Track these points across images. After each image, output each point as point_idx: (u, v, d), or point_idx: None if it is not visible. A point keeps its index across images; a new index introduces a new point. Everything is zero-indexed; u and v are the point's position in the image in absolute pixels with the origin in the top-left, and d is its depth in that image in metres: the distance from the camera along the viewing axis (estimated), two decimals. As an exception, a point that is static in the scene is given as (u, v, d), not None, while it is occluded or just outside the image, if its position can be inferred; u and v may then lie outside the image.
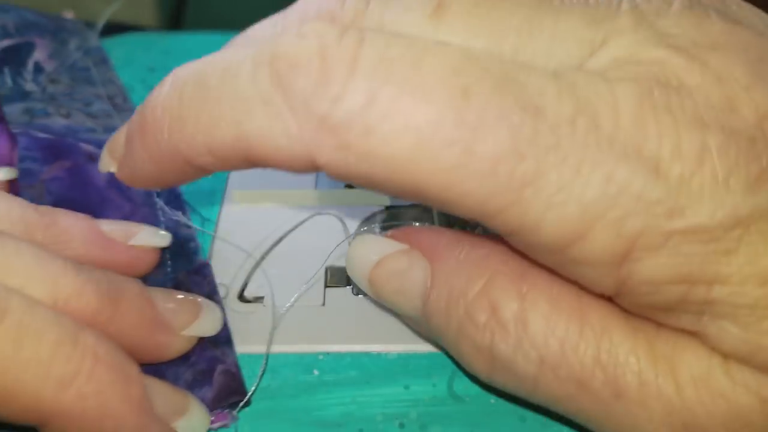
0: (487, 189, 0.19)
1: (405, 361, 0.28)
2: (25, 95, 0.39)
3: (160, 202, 0.32)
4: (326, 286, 0.31)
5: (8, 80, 0.40)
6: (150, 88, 0.43)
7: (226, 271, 0.31)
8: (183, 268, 0.30)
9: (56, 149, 0.34)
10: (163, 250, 0.30)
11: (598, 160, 0.19)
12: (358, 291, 0.31)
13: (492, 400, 0.27)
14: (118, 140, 0.25)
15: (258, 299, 0.30)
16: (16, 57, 0.41)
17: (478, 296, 0.23)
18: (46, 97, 0.39)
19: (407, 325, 0.29)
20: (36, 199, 0.30)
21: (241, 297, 0.30)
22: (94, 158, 0.34)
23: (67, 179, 0.33)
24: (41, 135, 0.35)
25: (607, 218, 0.19)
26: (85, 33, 0.44)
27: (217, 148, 0.21)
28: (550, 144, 0.19)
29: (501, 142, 0.19)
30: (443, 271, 0.24)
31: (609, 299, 0.22)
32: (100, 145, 0.33)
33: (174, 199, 0.33)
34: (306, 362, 0.28)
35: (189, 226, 0.32)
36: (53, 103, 0.38)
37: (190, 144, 0.21)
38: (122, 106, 0.39)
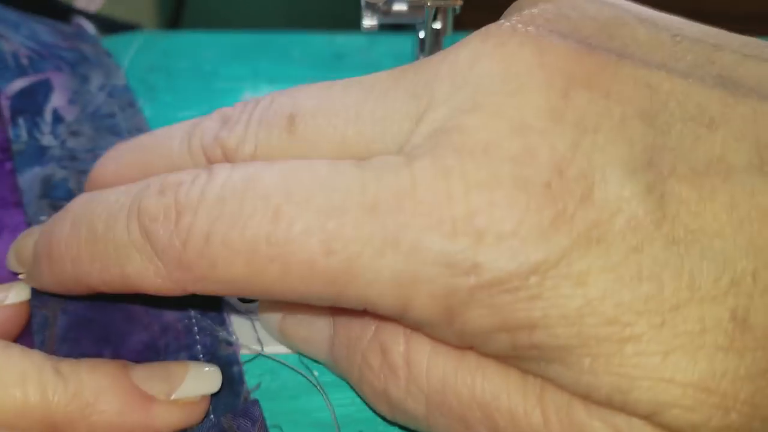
0: (316, 287, 0.22)
1: (405, 362, 0.28)
2: (42, 154, 0.34)
3: (194, 313, 0.28)
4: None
5: (23, 133, 0.35)
6: (150, 88, 0.43)
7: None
8: (226, 406, 0.26)
9: None
10: None
11: (398, 236, 0.21)
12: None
13: (492, 402, 0.27)
14: (25, 246, 0.28)
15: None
16: (32, 104, 0.36)
17: (372, 340, 0.24)
18: (66, 156, 0.34)
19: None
20: (50, 322, 0.27)
21: (242, 297, 0.30)
22: None
23: (95, 317, 0.28)
24: None
25: (417, 285, 0.21)
26: (107, 63, 0.40)
27: (110, 282, 0.25)
28: (353, 235, 0.21)
29: (310, 248, 0.21)
30: (343, 317, 0.25)
31: None
32: None
33: (212, 299, 0.29)
34: (306, 363, 0.28)
35: (231, 343, 0.28)
36: (73, 165, 0.34)
37: (88, 277, 0.25)
38: None
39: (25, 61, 0.37)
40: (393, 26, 0.34)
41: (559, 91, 0.21)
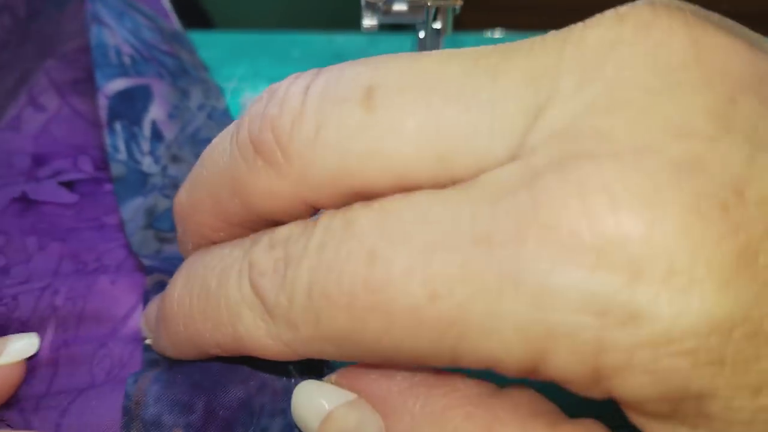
0: (426, 340, 0.18)
1: (405, 361, 0.28)
2: (144, 182, 0.31)
3: (292, 369, 0.26)
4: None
5: (121, 145, 0.32)
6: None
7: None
8: None
9: None
10: None
11: (519, 274, 0.16)
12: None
13: (492, 401, 0.27)
14: (150, 314, 0.27)
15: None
16: (130, 110, 0.33)
17: None
18: (168, 185, 0.32)
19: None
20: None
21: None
22: None
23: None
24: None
25: (554, 339, 0.16)
26: (205, 80, 0.38)
27: (222, 343, 0.23)
28: (463, 275, 0.17)
29: (413, 293, 0.18)
30: (398, 430, 0.21)
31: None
32: None
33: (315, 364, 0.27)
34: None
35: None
36: (173, 194, 0.31)
37: (201, 338, 0.23)
38: None
39: (127, 60, 0.34)
40: (393, 26, 0.34)
41: (725, 94, 0.17)
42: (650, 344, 0.16)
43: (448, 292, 0.17)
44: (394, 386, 0.21)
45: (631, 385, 0.16)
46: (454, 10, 0.32)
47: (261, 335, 0.21)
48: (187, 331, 0.23)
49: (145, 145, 0.32)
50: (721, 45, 0.17)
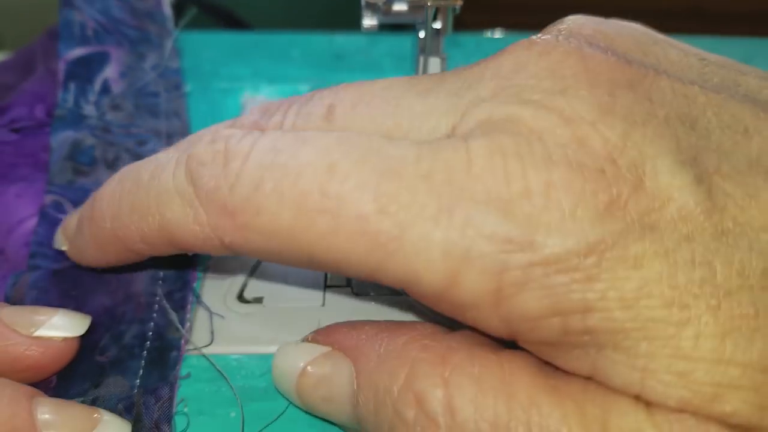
0: (362, 248, 0.22)
1: (405, 361, 0.28)
2: (79, 121, 0.36)
3: (160, 292, 0.30)
4: (326, 287, 0.31)
5: (70, 99, 0.37)
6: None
7: (225, 271, 0.31)
8: (148, 383, 0.27)
9: None
10: (145, 355, 0.27)
11: (452, 208, 0.21)
12: (358, 291, 0.31)
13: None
14: (70, 222, 0.29)
15: (257, 300, 0.30)
16: (86, 71, 0.38)
17: (403, 390, 0.22)
18: (100, 127, 0.36)
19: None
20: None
21: (241, 297, 0.30)
22: None
23: (69, 271, 0.30)
24: (61, 217, 0.32)
25: (469, 260, 0.21)
26: (167, 46, 0.41)
27: (147, 236, 0.25)
28: (408, 200, 0.21)
29: (363, 205, 0.21)
30: (366, 369, 0.24)
31: (530, 356, 0.22)
32: None
33: (182, 287, 0.30)
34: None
35: (179, 329, 0.28)
36: (104, 136, 0.35)
37: (125, 232, 0.26)
38: None
39: (90, 33, 0.40)
40: (393, 26, 0.34)
41: (606, 90, 0.22)
42: (542, 263, 0.20)
43: (395, 211, 0.21)
44: (362, 335, 0.25)
45: (526, 299, 0.21)
46: (454, 10, 0.33)
47: (189, 221, 0.24)
48: (113, 226, 0.26)
49: (92, 98, 0.37)
50: (603, 61, 0.23)
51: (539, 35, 0.25)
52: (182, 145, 0.27)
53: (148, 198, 0.25)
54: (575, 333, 0.21)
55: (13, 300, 0.29)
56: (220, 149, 0.24)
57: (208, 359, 0.28)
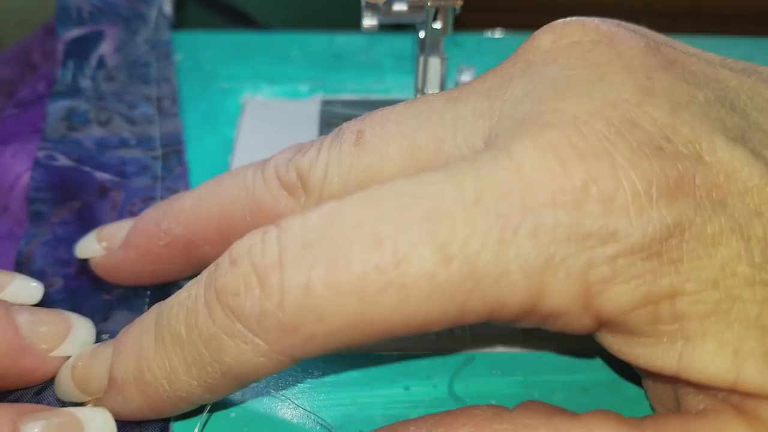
0: (439, 304, 0.20)
1: (405, 362, 0.28)
2: (75, 91, 0.38)
3: None
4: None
5: (69, 75, 0.39)
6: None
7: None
8: None
9: (68, 186, 0.33)
10: (149, 293, 0.29)
11: (516, 222, 0.20)
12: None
13: (493, 401, 0.27)
14: (92, 375, 0.24)
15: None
16: (82, 49, 0.41)
17: None
18: (94, 96, 0.38)
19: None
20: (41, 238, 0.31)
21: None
22: (106, 189, 0.34)
23: (73, 223, 0.32)
24: (59, 164, 0.34)
25: (551, 268, 0.20)
26: (160, 23, 0.43)
27: (213, 385, 0.23)
28: (467, 234, 0.20)
29: (424, 263, 0.20)
30: None
31: (610, 414, 0.22)
32: (118, 170, 0.34)
33: None
34: (306, 363, 0.28)
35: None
36: (98, 103, 0.38)
37: (189, 389, 0.23)
38: (167, 110, 0.39)
39: (86, 15, 0.42)
40: (393, 26, 0.34)
41: (643, 73, 0.22)
42: (626, 253, 0.19)
43: (459, 251, 0.20)
44: None
45: (616, 293, 0.20)
46: (454, 10, 0.32)
47: (250, 357, 0.21)
48: (173, 388, 0.23)
49: (89, 72, 0.40)
50: (633, 46, 0.23)
51: (562, 21, 0.24)
52: (199, 277, 0.23)
53: (198, 351, 0.22)
54: (665, 321, 0.20)
55: (25, 255, 0.31)
56: (247, 270, 0.21)
57: None
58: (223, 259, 0.22)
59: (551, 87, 0.22)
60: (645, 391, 0.25)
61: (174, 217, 0.28)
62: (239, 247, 0.22)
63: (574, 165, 0.20)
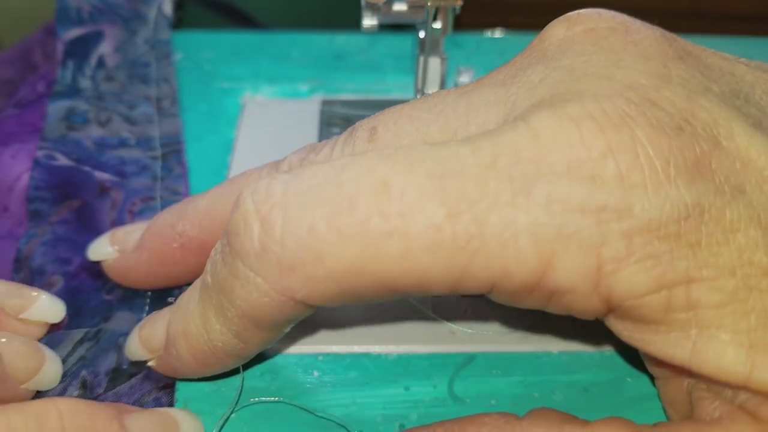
0: (441, 259, 0.20)
1: (405, 362, 0.28)
2: (75, 93, 0.38)
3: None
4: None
5: (69, 75, 0.39)
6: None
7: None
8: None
9: (68, 186, 0.34)
10: (149, 294, 0.29)
11: (529, 187, 0.19)
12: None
13: (493, 401, 0.27)
14: (154, 334, 0.26)
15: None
16: (82, 49, 0.41)
17: None
18: (94, 96, 0.38)
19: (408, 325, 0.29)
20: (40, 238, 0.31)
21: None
22: (105, 189, 0.34)
23: (73, 222, 0.32)
24: (58, 164, 0.34)
25: (563, 239, 0.19)
26: (160, 22, 0.44)
27: (240, 332, 0.23)
28: (477, 193, 0.19)
29: (430, 213, 0.20)
30: None
31: (621, 420, 0.21)
32: (117, 170, 0.34)
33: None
34: (306, 363, 0.28)
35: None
36: (98, 104, 0.38)
37: (223, 340, 0.24)
38: (167, 110, 0.39)
39: (85, 15, 0.42)
40: (393, 26, 0.34)
41: (659, 62, 0.21)
42: (642, 231, 0.19)
43: (467, 208, 0.19)
44: None
45: (630, 273, 0.19)
46: (454, 10, 0.32)
47: (255, 297, 0.22)
48: (210, 337, 0.24)
49: (89, 72, 0.40)
50: (649, 35, 0.22)
51: (576, 12, 0.23)
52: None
53: (219, 298, 0.23)
54: (679, 308, 0.19)
55: (24, 254, 0.31)
56: (249, 209, 0.21)
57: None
58: (234, 206, 0.23)
59: (568, 72, 0.21)
60: (658, 393, 0.25)
61: (189, 218, 0.28)
62: (245, 190, 0.22)
63: (593, 136, 0.19)
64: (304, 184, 0.21)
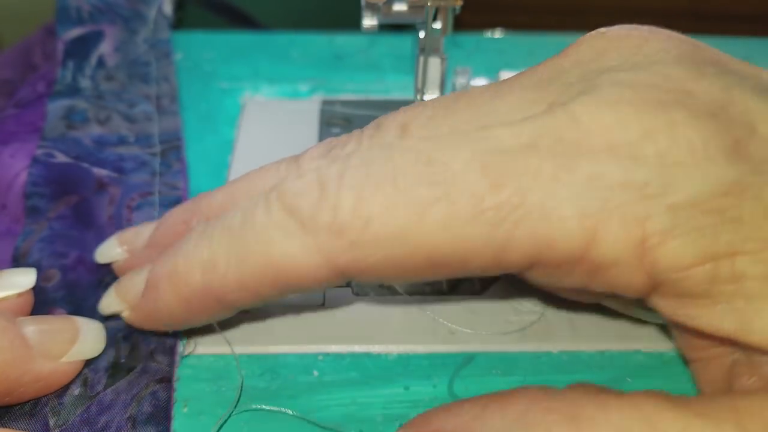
0: (483, 229, 0.21)
1: (405, 361, 0.28)
2: (75, 92, 0.39)
3: None
4: (326, 287, 0.31)
5: (69, 75, 0.39)
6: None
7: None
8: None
9: (66, 182, 0.34)
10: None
11: (571, 164, 0.20)
12: (358, 291, 0.31)
13: (492, 401, 0.27)
14: (132, 284, 0.27)
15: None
16: (82, 49, 0.41)
17: None
18: (94, 95, 0.39)
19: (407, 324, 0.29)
20: (37, 234, 0.31)
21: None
22: (103, 185, 0.34)
23: (70, 218, 0.32)
24: (57, 161, 0.34)
25: (607, 212, 0.20)
26: (159, 22, 0.44)
27: (248, 280, 0.24)
28: (520, 168, 0.20)
29: (474, 183, 0.21)
30: None
31: (658, 393, 0.21)
32: (116, 166, 0.34)
33: None
34: (306, 363, 0.28)
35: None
36: (97, 103, 0.38)
37: (222, 282, 0.24)
38: (167, 108, 0.39)
39: (85, 15, 0.43)
40: (393, 26, 0.34)
41: (691, 64, 0.22)
42: (685, 206, 0.20)
43: (510, 181, 0.20)
44: (465, 415, 0.22)
45: (675, 246, 0.20)
46: (454, 10, 0.32)
47: (296, 253, 0.23)
48: (205, 278, 0.24)
49: (89, 72, 0.40)
50: (681, 44, 0.23)
51: (609, 27, 0.25)
52: (267, 183, 0.26)
53: (246, 241, 0.23)
54: (724, 280, 0.20)
55: (22, 250, 0.31)
56: (312, 179, 0.23)
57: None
58: (292, 172, 0.24)
59: (605, 73, 0.22)
60: (692, 376, 0.25)
61: (204, 214, 0.27)
62: (308, 166, 0.24)
63: (632, 119, 0.20)
64: (358, 162, 0.22)
